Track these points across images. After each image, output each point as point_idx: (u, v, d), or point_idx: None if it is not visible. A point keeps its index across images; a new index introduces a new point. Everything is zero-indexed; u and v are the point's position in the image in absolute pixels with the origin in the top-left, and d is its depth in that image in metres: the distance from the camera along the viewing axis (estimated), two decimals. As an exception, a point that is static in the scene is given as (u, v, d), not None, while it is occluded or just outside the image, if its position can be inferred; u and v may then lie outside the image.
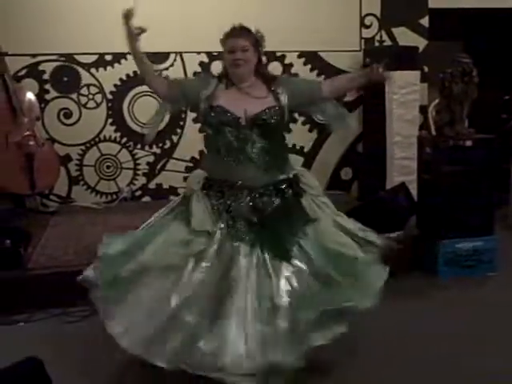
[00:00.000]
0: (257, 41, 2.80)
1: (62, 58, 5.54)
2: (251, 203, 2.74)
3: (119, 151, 5.79)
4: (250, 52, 2.76)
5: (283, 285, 2.61)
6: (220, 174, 2.78)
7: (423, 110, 5.76)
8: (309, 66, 5.99)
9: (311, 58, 5.98)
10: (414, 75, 5.21)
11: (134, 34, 2.74)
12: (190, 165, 5.80)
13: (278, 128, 2.81)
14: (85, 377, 2.90)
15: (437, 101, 4.67)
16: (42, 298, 3.73)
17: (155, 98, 5.62)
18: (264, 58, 2.92)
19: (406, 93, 5.15)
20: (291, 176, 2.85)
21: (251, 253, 2.66)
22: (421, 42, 6.01)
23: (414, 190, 4.62)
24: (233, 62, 2.74)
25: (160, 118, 2.90)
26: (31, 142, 5.13)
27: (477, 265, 4.35)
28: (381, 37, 6.11)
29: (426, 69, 5.96)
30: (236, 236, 2.69)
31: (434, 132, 4.70)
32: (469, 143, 4.32)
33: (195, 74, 5.72)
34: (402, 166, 5.21)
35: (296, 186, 2.84)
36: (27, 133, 5.13)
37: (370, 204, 4.40)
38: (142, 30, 2.74)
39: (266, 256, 2.66)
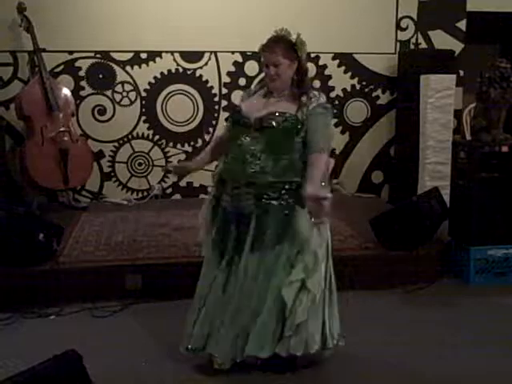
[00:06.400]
0: (294, 50, 2.71)
1: (98, 56, 5.60)
2: (253, 202, 2.72)
3: (151, 149, 5.84)
4: (284, 65, 2.70)
5: None
6: (228, 173, 2.80)
7: (457, 114, 5.68)
8: (343, 68, 5.97)
9: (346, 60, 5.96)
10: (449, 79, 5.14)
11: (193, 169, 3.09)
12: (222, 164, 5.80)
13: (281, 133, 2.70)
14: (114, 372, 2.92)
15: (472, 105, 4.60)
16: (73, 292, 3.77)
17: (188, 96, 5.75)
18: (307, 65, 2.82)
19: (441, 96, 5.09)
20: (294, 181, 2.73)
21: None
22: (457, 46, 5.95)
23: (446, 195, 4.57)
24: (267, 76, 2.76)
25: None
26: (66, 138, 5.19)
27: (509, 272, 4.28)
28: (417, 39, 6.04)
29: (461, 73, 5.89)
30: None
31: (468, 137, 4.63)
32: (505, 149, 4.24)
33: (229, 73, 5.78)
34: (435, 170, 5.16)
35: (296, 194, 2.72)
36: (62, 128, 5.19)
37: (402, 208, 4.35)
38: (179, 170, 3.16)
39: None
